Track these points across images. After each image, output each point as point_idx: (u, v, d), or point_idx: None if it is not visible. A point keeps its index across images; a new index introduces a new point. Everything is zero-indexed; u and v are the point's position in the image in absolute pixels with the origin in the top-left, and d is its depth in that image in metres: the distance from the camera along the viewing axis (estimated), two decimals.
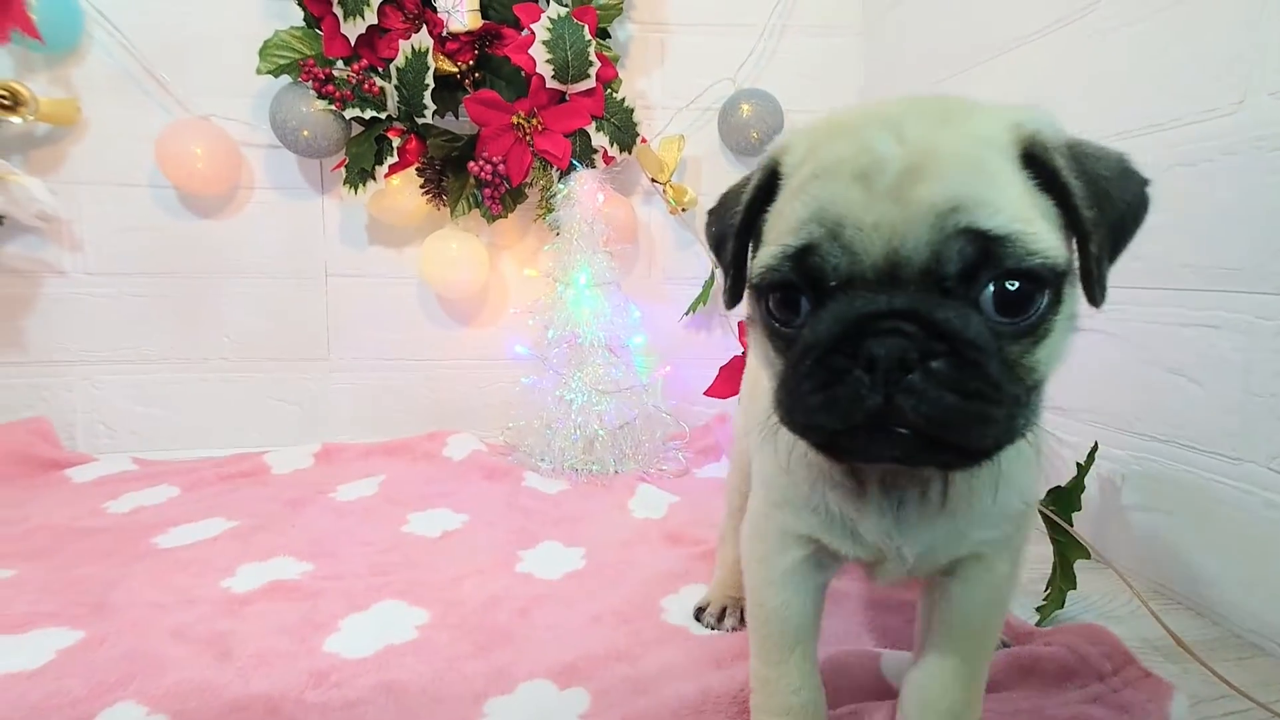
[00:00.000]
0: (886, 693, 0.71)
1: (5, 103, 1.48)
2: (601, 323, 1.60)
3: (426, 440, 1.74)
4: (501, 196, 1.65)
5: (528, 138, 1.62)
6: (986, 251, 0.43)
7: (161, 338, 1.75)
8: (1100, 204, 0.46)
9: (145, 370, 1.75)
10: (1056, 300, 0.45)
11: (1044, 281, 0.44)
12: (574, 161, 1.66)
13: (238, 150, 1.68)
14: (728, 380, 1.66)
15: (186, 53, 1.68)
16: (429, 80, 1.54)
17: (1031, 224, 0.44)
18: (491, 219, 1.69)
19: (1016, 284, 0.44)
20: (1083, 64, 1.19)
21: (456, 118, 1.68)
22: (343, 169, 1.63)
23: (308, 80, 1.54)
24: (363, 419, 1.85)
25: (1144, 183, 0.50)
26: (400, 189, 1.66)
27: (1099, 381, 1.14)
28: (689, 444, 1.71)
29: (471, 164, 1.59)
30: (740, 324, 1.65)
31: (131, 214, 1.71)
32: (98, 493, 1.43)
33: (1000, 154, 0.46)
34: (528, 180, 1.67)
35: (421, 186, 1.67)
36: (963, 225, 0.43)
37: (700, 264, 1.91)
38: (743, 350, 1.67)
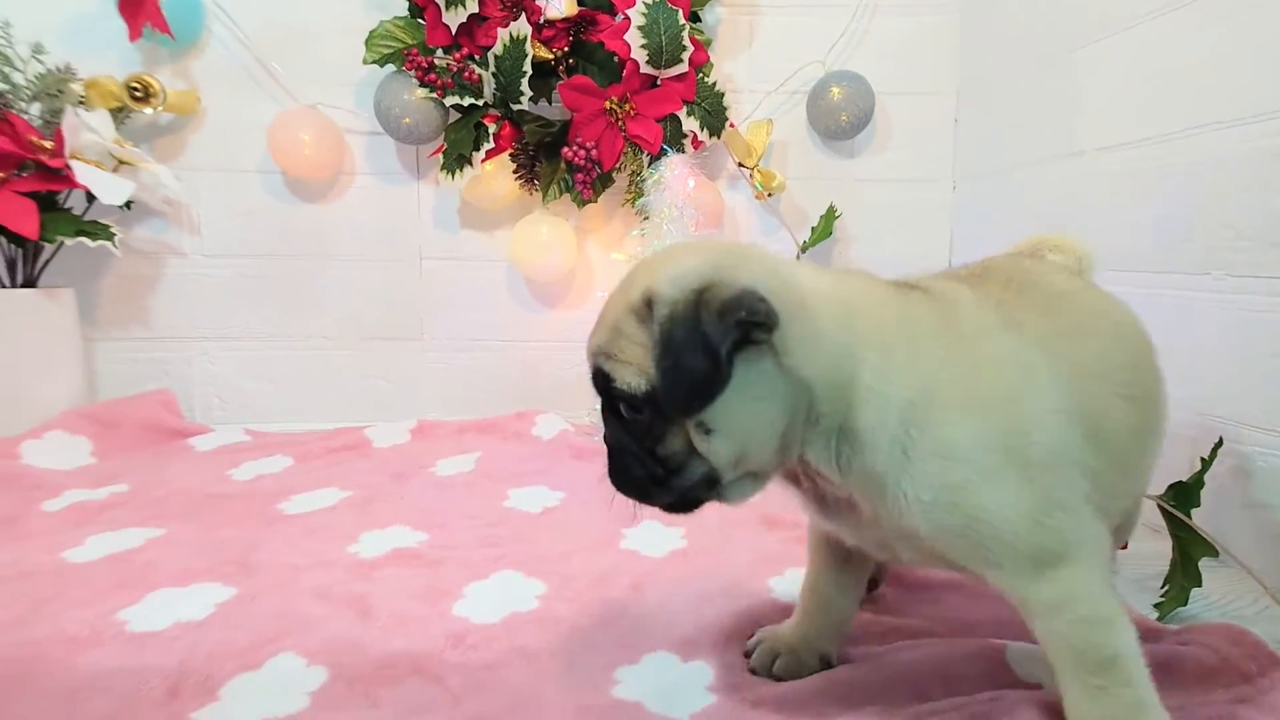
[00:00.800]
0: (1014, 683, 0.72)
1: (137, 94, 1.57)
2: None
3: (515, 419, 1.80)
4: (593, 181, 1.67)
5: (620, 123, 1.64)
6: (604, 382, 0.62)
7: (269, 316, 1.85)
8: (662, 346, 0.58)
9: (254, 347, 1.86)
10: (658, 411, 0.60)
11: (631, 402, 0.60)
12: (664, 146, 1.67)
13: (342, 137, 1.76)
14: None
15: (295, 44, 1.75)
16: (526, 67, 1.57)
17: (623, 366, 0.60)
18: (582, 203, 1.72)
19: (622, 404, 0.61)
20: (1187, 49, 1.14)
21: (550, 103, 1.71)
22: (440, 155, 1.68)
23: (411, 69, 1.59)
24: (453, 397, 1.92)
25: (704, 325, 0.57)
26: (493, 174, 1.71)
27: (1224, 376, 1.10)
28: None
29: (565, 149, 1.62)
30: None
31: (243, 199, 1.80)
32: (220, 461, 1.53)
33: (630, 313, 0.61)
34: (617, 165, 1.69)
35: (515, 171, 1.71)
36: (594, 365, 0.63)
37: (785, 249, 1.90)
38: None
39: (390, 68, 1.65)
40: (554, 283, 1.89)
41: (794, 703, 0.71)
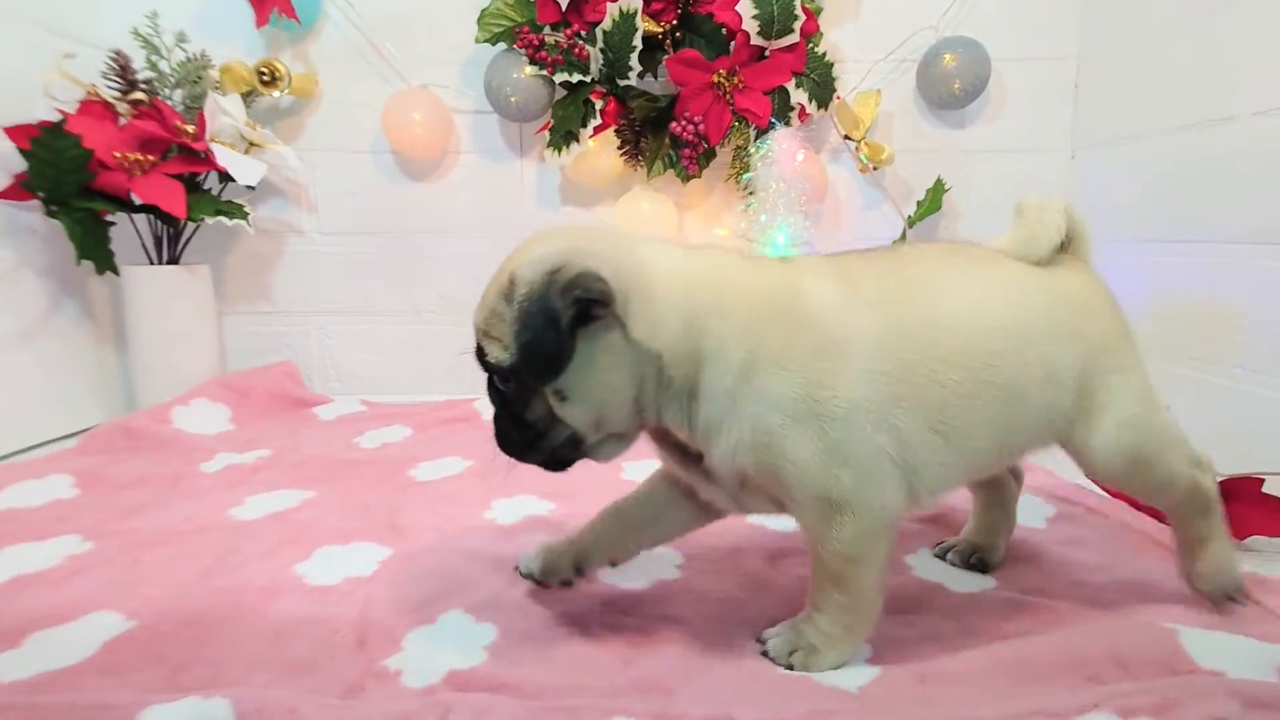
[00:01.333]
0: (1188, 667, 0.70)
1: (265, 78, 1.64)
2: None
3: None
4: (698, 156, 1.67)
5: (728, 96, 1.62)
6: (481, 356, 0.71)
7: (380, 292, 1.92)
8: (520, 323, 0.66)
9: (367, 321, 1.94)
10: (521, 382, 0.69)
11: (501, 373, 0.69)
12: (772, 120, 1.65)
13: (450, 117, 1.80)
14: None
15: (404, 26, 1.79)
16: (636, 41, 1.57)
17: (493, 342, 0.69)
18: (686, 179, 1.72)
19: (495, 376, 0.71)
20: None
21: (656, 78, 1.71)
22: (546, 132, 1.70)
23: (521, 47, 1.61)
24: None
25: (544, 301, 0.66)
26: (596, 150, 1.72)
27: None
28: None
29: (673, 124, 1.62)
30: None
31: (356, 178, 1.87)
32: (345, 429, 1.62)
33: (500, 295, 0.68)
34: (723, 140, 1.68)
35: (619, 147, 1.72)
36: (476, 341, 0.72)
37: (887, 224, 1.86)
38: None
39: (498, 47, 1.68)
40: None
41: (967, 679, 0.71)
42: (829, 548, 0.71)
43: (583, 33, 1.64)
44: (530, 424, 0.71)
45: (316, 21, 1.76)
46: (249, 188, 1.74)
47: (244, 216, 1.58)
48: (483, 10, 1.65)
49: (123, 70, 1.48)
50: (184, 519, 1.10)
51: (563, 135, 1.67)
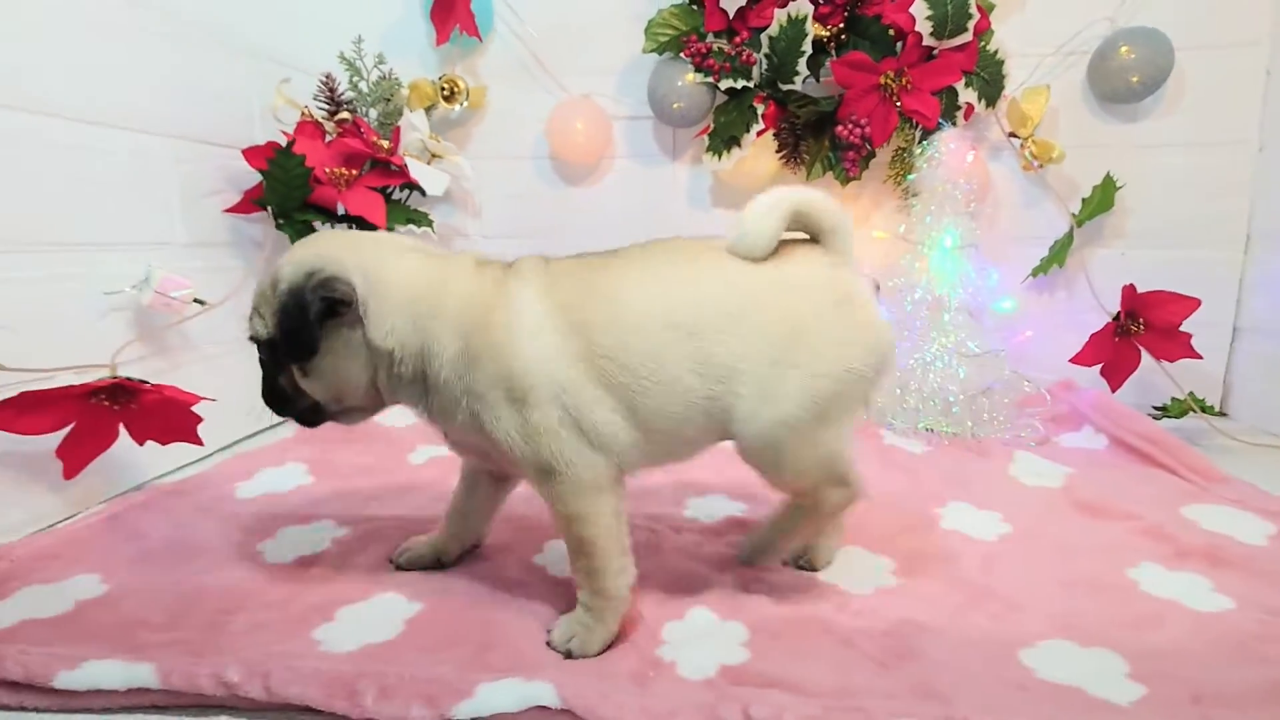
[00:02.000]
0: None
1: (446, 93, 1.75)
2: (964, 286, 1.60)
3: None
4: (860, 159, 1.67)
5: (894, 98, 1.62)
6: (251, 329, 0.87)
7: None
8: (280, 313, 0.82)
9: None
10: (274, 355, 0.87)
11: (260, 345, 0.87)
12: (940, 120, 1.63)
13: (609, 123, 1.86)
14: (1098, 348, 1.58)
15: (565, 38, 1.86)
16: (805, 46, 1.59)
17: (259, 320, 0.86)
18: (846, 181, 1.73)
19: (258, 347, 0.88)
20: None
21: (818, 81, 1.71)
22: (705, 136, 1.74)
23: (689, 55, 1.65)
24: None
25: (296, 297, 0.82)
26: (754, 153, 1.75)
27: None
28: (1043, 412, 1.67)
29: (838, 127, 1.63)
30: (1126, 290, 1.55)
31: (517, 183, 1.96)
32: None
33: (270, 285, 0.85)
34: (886, 141, 1.68)
35: (778, 150, 1.74)
36: (249, 317, 0.88)
37: (1049, 223, 1.81)
38: (1116, 316, 1.58)
39: (655, 55, 1.72)
40: None
41: (1241, 702, 0.71)
42: (554, 508, 0.84)
43: (747, 39, 1.66)
44: (280, 389, 0.88)
45: (488, 36, 1.86)
46: (422, 194, 1.86)
47: (429, 224, 1.69)
48: (650, 21, 1.69)
49: (331, 92, 1.61)
50: (416, 508, 1.21)
51: (724, 140, 1.71)
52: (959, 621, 0.88)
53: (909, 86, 1.61)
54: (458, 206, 1.97)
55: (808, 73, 1.63)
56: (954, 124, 1.65)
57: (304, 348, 0.82)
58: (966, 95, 1.63)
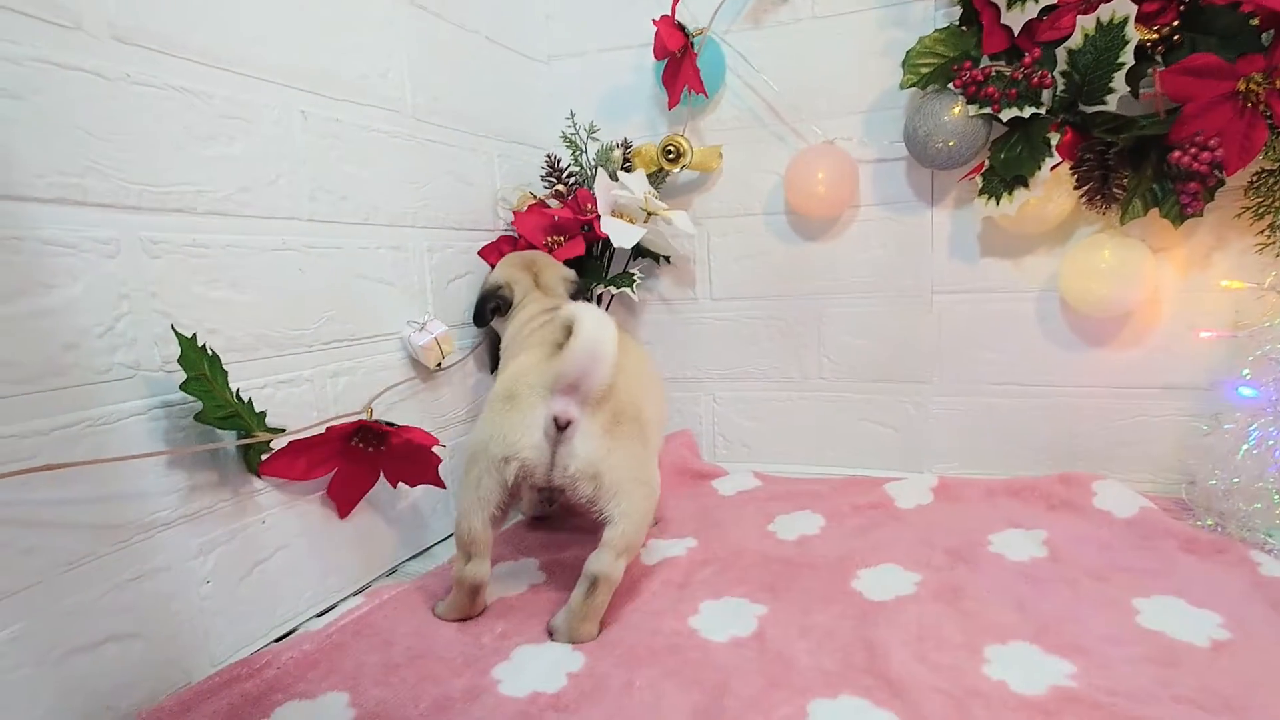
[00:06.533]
0: None
1: (670, 155, 1.66)
2: None
3: (1060, 484, 1.50)
4: (1205, 190, 1.28)
5: (1261, 106, 1.21)
6: None
7: (768, 357, 1.84)
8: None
9: (754, 387, 1.86)
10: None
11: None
12: None
13: (855, 169, 1.64)
14: None
15: (800, 84, 1.69)
16: (1123, 57, 1.25)
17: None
18: (1182, 219, 1.33)
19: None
20: None
21: (1135, 97, 1.36)
22: (978, 177, 1.46)
23: (960, 86, 1.39)
24: (961, 448, 1.69)
25: None
26: (1045, 193, 1.42)
27: None
28: None
29: (1176, 153, 1.26)
30: None
31: (747, 242, 1.81)
32: (751, 512, 1.53)
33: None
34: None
35: (1077, 186, 1.40)
36: None
37: None
38: None
39: (887, 92, 1.48)
40: (1106, 317, 1.53)
41: None
42: None
43: (1038, 58, 1.36)
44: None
45: (718, 93, 1.75)
46: (665, 259, 1.80)
47: (630, 284, 1.61)
48: (908, 51, 1.46)
49: (552, 168, 1.62)
50: (651, 631, 1.07)
51: (1004, 180, 1.41)
52: None
53: None
54: (684, 268, 1.87)
55: (1126, 88, 1.28)
56: None
57: (478, 320, 1.44)
58: None
